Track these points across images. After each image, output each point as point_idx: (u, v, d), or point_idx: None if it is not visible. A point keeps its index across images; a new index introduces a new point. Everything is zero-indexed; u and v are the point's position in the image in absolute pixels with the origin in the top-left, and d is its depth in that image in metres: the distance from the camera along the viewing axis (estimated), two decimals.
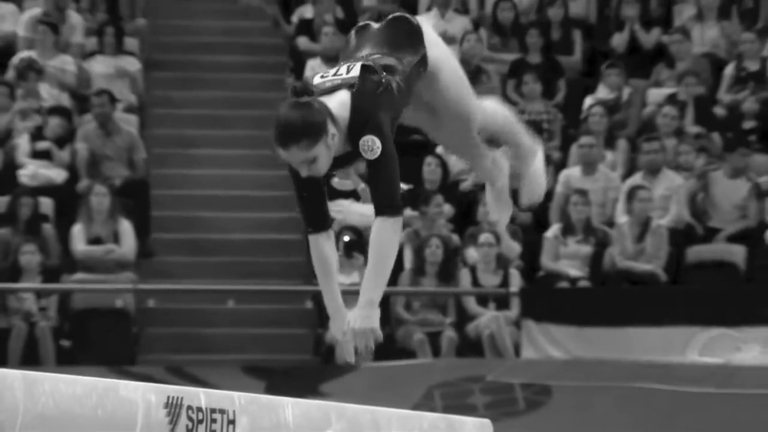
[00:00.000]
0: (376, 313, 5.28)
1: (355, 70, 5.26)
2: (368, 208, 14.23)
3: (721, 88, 14.54)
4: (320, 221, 5.37)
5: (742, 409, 11.58)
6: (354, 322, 5.24)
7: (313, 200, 5.37)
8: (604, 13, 15.67)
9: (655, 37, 15.17)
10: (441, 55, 5.60)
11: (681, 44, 14.68)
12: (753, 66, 14.53)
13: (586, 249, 12.98)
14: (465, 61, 14.59)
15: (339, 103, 5.23)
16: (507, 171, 6.26)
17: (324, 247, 5.37)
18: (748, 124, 14.11)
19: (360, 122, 5.21)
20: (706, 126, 14.07)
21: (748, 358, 12.06)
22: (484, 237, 12.57)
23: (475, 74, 14.15)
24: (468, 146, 6.00)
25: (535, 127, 14.11)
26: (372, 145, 5.22)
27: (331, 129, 5.14)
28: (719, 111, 14.34)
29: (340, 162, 5.33)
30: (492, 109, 5.99)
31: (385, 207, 5.32)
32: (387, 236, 5.26)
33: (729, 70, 14.59)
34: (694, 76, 14.31)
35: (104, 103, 13.83)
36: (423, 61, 5.51)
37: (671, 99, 14.21)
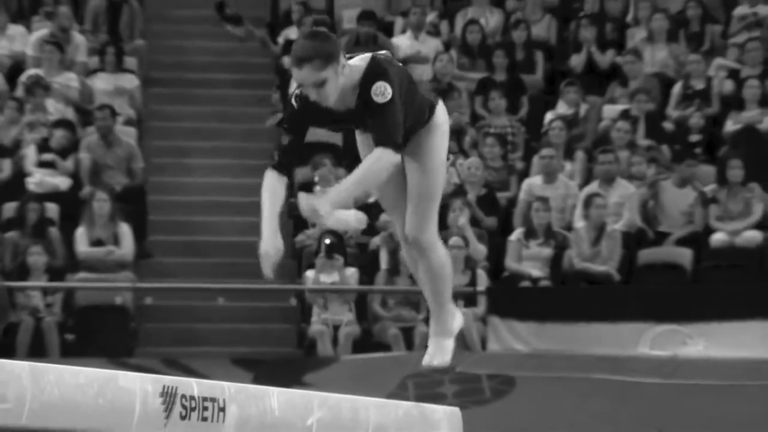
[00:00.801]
0: (327, 205, 5.18)
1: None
2: (347, 214, 14.21)
3: (669, 104, 14.53)
4: (284, 164, 5.37)
5: (688, 397, 11.59)
6: (304, 199, 5.16)
7: (291, 142, 5.35)
8: (564, 36, 15.64)
9: (609, 58, 15.15)
10: (440, 136, 5.54)
11: (633, 65, 14.67)
12: (699, 85, 14.52)
13: (547, 251, 12.96)
14: (437, 79, 14.66)
15: (358, 58, 5.26)
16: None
17: (275, 183, 5.34)
18: (694, 138, 14.08)
19: (374, 75, 5.19)
20: (656, 139, 14.03)
21: (694, 351, 12.06)
22: (454, 240, 12.55)
23: (447, 91, 14.15)
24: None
25: (501, 139, 14.14)
26: (384, 90, 5.17)
27: (343, 61, 5.15)
28: (668, 126, 14.32)
29: (345, 116, 5.29)
30: (444, 254, 5.71)
31: (385, 141, 5.18)
32: (376, 160, 5.16)
33: (677, 88, 14.58)
34: (645, 94, 14.27)
35: (106, 116, 13.79)
36: (432, 108, 5.49)
37: (624, 114, 14.17)
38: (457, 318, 5.83)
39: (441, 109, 5.53)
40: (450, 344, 5.76)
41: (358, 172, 5.20)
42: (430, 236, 5.57)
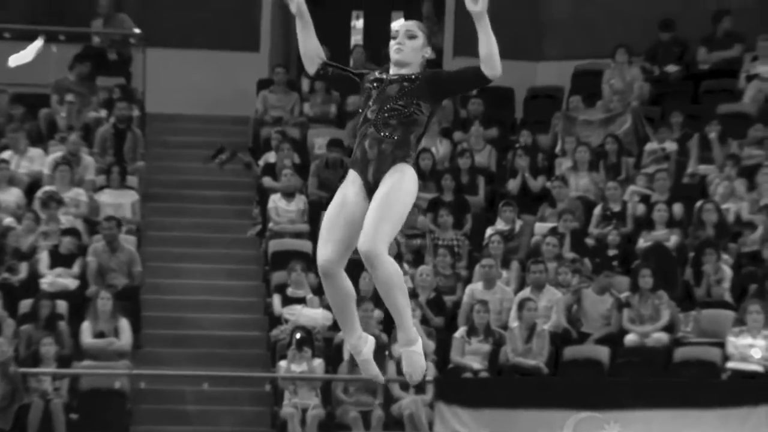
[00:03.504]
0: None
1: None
2: (315, 312, 14.26)
3: (591, 224, 14.49)
4: (330, 65, 5.41)
5: None
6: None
7: (344, 69, 5.42)
8: (502, 163, 15.59)
9: (541, 183, 15.12)
10: (412, 177, 5.34)
11: (561, 189, 14.62)
12: (616, 207, 14.51)
13: (486, 347, 12.95)
14: None
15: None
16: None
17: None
18: (611, 252, 14.05)
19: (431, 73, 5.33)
20: (579, 253, 14.01)
21: None
22: None
23: None
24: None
25: (451, 250, 14.17)
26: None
27: (429, 51, 5.32)
28: (589, 241, 14.29)
29: (387, 82, 5.29)
30: (392, 264, 5.22)
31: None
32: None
33: (597, 210, 14.55)
34: (570, 214, 14.25)
35: (112, 226, 13.74)
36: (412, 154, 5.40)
37: (553, 231, 14.14)
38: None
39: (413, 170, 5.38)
40: (419, 351, 5.32)
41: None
42: (381, 248, 5.14)
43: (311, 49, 5.41)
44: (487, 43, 5.15)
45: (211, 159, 16.15)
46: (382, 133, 5.27)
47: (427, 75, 5.31)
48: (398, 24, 5.27)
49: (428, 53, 5.33)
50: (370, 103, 5.30)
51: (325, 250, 5.28)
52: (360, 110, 5.39)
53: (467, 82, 5.31)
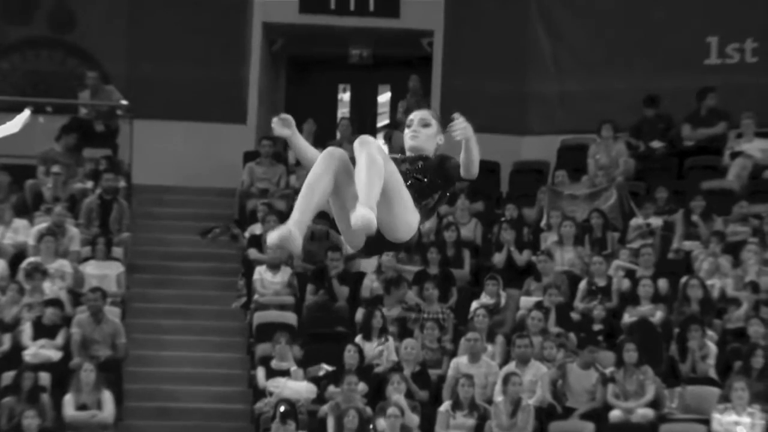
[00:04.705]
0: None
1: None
2: (299, 385, 14.22)
3: (576, 298, 14.47)
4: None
5: None
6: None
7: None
8: (488, 237, 15.61)
9: (526, 257, 15.14)
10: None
11: (546, 263, 14.65)
12: (601, 282, 14.52)
13: (471, 421, 12.90)
14: (382, 271, 14.76)
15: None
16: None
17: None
18: (596, 327, 14.04)
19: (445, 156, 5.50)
20: (564, 327, 13.98)
21: None
22: (391, 410, 12.56)
23: (396, 281, 14.27)
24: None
25: (438, 324, 14.15)
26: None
27: (442, 138, 5.49)
28: (575, 316, 14.27)
29: (402, 160, 5.44)
30: (372, 157, 5.20)
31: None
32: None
33: (582, 284, 14.54)
34: (555, 288, 14.25)
35: (98, 298, 13.73)
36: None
37: (538, 305, 14.13)
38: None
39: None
40: (368, 211, 5.09)
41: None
42: (374, 146, 5.22)
43: (310, 160, 5.54)
44: (467, 158, 5.35)
45: (204, 236, 16.20)
46: None
47: (439, 156, 5.56)
48: (414, 114, 5.50)
49: (441, 140, 5.57)
50: None
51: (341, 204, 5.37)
52: None
53: (455, 177, 5.53)
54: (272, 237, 5.13)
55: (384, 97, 18.67)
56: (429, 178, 5.45)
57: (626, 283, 14.50)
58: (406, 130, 5.58)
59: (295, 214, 5.23)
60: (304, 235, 5.23)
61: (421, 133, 5.51)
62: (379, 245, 5.44)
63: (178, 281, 15.73)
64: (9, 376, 13.12)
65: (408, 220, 5.37)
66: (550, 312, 14.12)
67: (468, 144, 5.29)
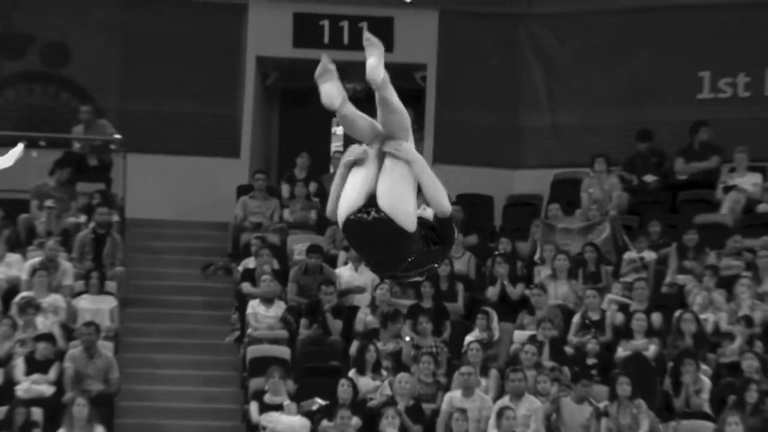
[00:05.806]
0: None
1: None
2: (293, 420, 14.20)
3: (570, 332, 14.50)
4: None
5: None
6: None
7: None
8: (481, 270, 15.62)
9: (519, 290, 15.17)
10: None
11: (540, 297, 14.65)
12: (595, 316, 14.55)
13: None
14: (375, 305, 14.77)
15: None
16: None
17: None
18: (590, 361, 14.01)
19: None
20: (558, 361, 13.99)
21: None
22: None
23: (393, 315, 14.26)
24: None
25: (434, 357, 14.14)
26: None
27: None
28: (568, 350, 14.27)
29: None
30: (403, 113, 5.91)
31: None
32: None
33: (576, 318, 14.56)
34: (549, 322, 14.24)
35: (91, 332, 13.71)
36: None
37: (532, 339, 14.10)
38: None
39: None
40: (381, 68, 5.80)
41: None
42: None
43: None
44: (426, 188, 5.65)
45: (203, 271, 16.23)
46: None
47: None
48: None
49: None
50: None
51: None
52: None
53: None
54: (327, 61, 5.77)
55: None
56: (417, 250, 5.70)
57: (620, 317, 14.52)
58: None
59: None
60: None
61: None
62: (388, 247, 5.66)
63: (171, 315, 15.72)
64: (1, 411, 13.09)
65: (410, 210, 5.63)
66: (544, 346, 14.12)
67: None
